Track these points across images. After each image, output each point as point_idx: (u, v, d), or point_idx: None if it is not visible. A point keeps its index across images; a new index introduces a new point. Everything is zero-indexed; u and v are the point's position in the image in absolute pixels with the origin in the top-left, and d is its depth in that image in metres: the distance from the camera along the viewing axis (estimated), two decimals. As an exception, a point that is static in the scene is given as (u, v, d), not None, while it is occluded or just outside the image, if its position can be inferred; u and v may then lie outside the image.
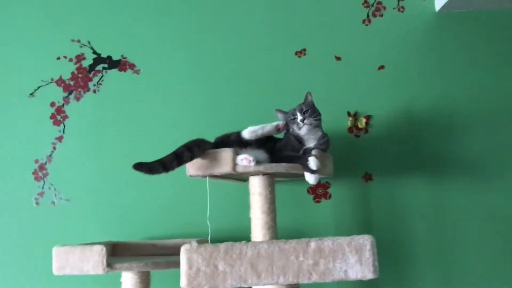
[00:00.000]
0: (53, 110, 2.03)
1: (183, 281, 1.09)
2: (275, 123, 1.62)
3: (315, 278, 1.08)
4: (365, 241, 1.07)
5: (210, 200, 1.65)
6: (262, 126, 1.61)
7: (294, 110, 1.66)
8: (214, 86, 2.04)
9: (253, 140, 1.61)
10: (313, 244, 1.06)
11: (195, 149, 1.50)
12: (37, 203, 1.97)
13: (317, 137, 1.65)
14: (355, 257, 1.06)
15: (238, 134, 1.63)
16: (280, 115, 1.73)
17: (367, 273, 1.08)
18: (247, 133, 1.59)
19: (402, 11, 2.10)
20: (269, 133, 1.62)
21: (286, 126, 1.66)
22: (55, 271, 1.52)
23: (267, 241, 1.07)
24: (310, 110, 1.65)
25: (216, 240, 1.64)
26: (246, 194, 1.66)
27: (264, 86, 2.04)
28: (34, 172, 1.99)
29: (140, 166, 1.41)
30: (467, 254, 1.95)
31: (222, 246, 1.08)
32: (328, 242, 1.07)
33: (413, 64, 2.06)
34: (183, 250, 1.09)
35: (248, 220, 1.63)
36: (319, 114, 1.67)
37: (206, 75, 2.05)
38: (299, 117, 1.63)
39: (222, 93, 2.04)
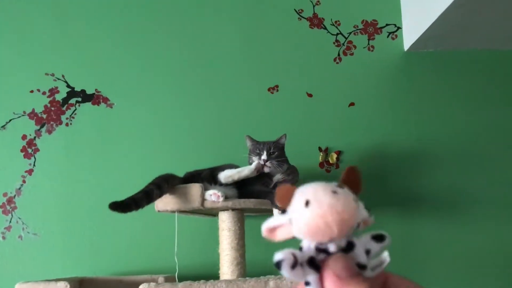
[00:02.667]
0: (24, 143, 2.01)
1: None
2: (253, 167, 1.61)
3: (275, 317, 1.08)
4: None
5: (178, 235, 1.64)
6: (239, 170, 1.61)
7: (263, 145, 1.68)
8: (188, 121, 2.06)
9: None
10: (271, 283, 1.07)
11: (164, 185, 1.50)
12: (3, 238, 1.93)
13: (283, 170, 1.67)
14: (314, 296, 1.06)
15: (209, 171, 1.65)
16: (248, 142, 1.74)
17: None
18: (223, 178, 1.59)
19: (372, 50, 2.17)
20: (246, 177, 1.61)
21: (261, 166, 1.65)
22: (17, 309, 1.48)
23: (226, 280, 1.07)
24: (277, 152, 1.66)
25: (184, 276, 1.63)
26: (215, 229, 1.66)
27: (237, 121, 2.07)
28: (2, 206, 1.96)
29: (115, 207, 1.38)
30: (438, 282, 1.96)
31: (181, 285, 1.08)
32: (287, 281, 1.07)
33: (383, 101, 2.11)
34: (142, 289, 1.08)
35: (217, 256, 1.62)
36: (284, 158, 1.69)
37: (179, 110, 2.07)
38: (263, 156, 1.64)
39: (195, 128, 2.05)
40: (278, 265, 0.39)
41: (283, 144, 1.73)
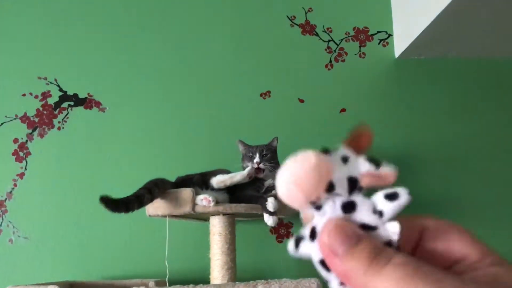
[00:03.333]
0: (15, 146, 2.01)
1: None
2: (245, 173, 1.61)
3: (264, 321, 1.08)
4: (312, 284, 1.08)
5: (169, 239, 1.64)
6: (231, 175, 1.61)
7: (255, 148, 1.69)
8: (180, 126, 2.07)
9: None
10: (260, 287, 1.07)
11: (154, 190, 1.50)
12: (-6, 241, 1.93)
13: (274, 175, 1.68)
14: (302, 301, 1.07)
15: (200, 175, 1.65)
16: (241, 147, 1.76)
17: (316, 316, 1.08)
18: (215, 183, 1.60)
19: (363, 57, 2.19)
20: (238, 183, 1.61)
21: (254, 172, 1.65)
22: (6, 313, 1.48)
23: (215, 285, 1.07)
24: (270, 155, 1.68)
25: (175, 280, 1.64)
26: (206, 234, 1.66)
27: (229, 125, 2.08)
28: (-7, 209, 1.96)
29: (106, 202, 1.35)
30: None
31: (170, 289, 1.08)
32: (275, 285, 1.08)
33: (373, 108, 2.13)
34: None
35: (207, 260, 1.63)
36: (277, 161, 1.70)
37: (172, 115, 2.08)
38: (256, 159, 1.65)
39: (187, 133, 2.06)
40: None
41: (275, 147, 1.74)
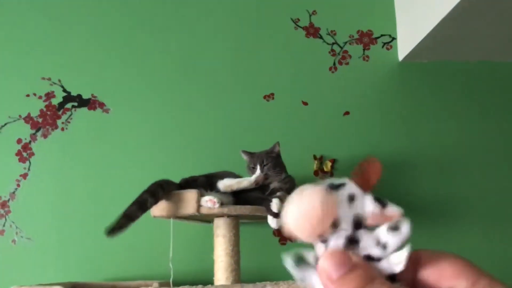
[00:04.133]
0: (19, 147, 2.01)
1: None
2: (252, 179, 1.62)
3: (271, 323, 1.08)
4: (320, 286, 1.08)
5: (173, 241, 1.64)
6: (239, 181, 1.62)
7: (256, 158, 1.70)
8: (183, 127, 2.07)
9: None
10: (268, 288, 1.07)
11: (159, 193, 1.50)
12: (-4, 242, 1.93)
13: (280, 178, 1.68)
14: (310, 302, 1.07)
15: (205, 177, 1.65)
16: (244, 157, 1.76)
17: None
18: (222, 187, 1.60)
19: (367, 60, 2.19)
20: (245, 188, 1.62)
21: (262, 178, 1.66)
22: (10, 313, 1.48)
23: (223, 285, 1.07)
24: (270, 164, 1.68)
25: (179, 282, 1.63)
26: (210, 236, 1.66)
27: (233, 127, 2.08)
28: (-4, 210, 1.95)
29: (113, 231, 1.36)
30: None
31: (177, 290, 1.08)
32: (283, 287, 1.08)
33: (377, 111, 2.13)
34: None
35: (211, 262, 1.63)
36: (281, 167, 1.71)
37: (175, 116, 2.08)
38: (258, 171, 1.66)
39: (191, 134, 2.06)
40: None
41: (277, 152, 1.74)
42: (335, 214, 0.37)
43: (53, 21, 2.13)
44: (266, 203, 1.55)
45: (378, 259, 0.36)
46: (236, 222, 1.64)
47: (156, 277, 1.85)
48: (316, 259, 0.37)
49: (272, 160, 1.69)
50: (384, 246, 0.37)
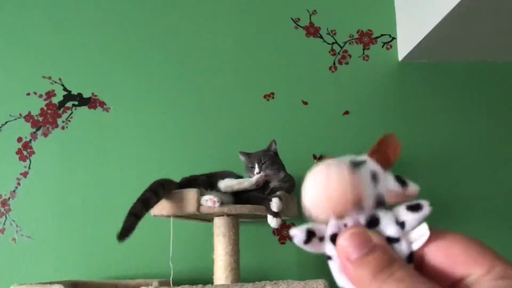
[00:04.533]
0: (19, 145, 2.01)
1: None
2: (253, 180, 1.62)
3: (271, 322, 1.09)
4: (319, 285, 1.09)
5: (173, 240, 1.65)
6: (240, 181, 1.62)
7: (254, 158, 1.70)
8: (184, 126, 2.07)
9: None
10: (268, 287, 1.08)
11: (160, 191, 1.51)
12: (-3, 240, 1.93)
13: (279, 178, 1.69)
14: (309, 302, 1.08)
15: (206, 177, 1.66)
16: (242, 158, 1.76)
17: (322, 317, 1.09)
18: (223, 187, 1.61)
19: (367, 60, 2.19)
20: (245, 189, 1.62)
21: (263, 178, 1.66)
22: (10, 311, 1.48)
23: (222, 285, 1.08)
24: (268, 162, 1.68)
25: (179, 281, 1.64)
26: (210, 235, 1.67)
27: (233, 126, 2.08)
28: (-4, 208, 1.96)
29: (123, 235, 1.39)
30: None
31: (176, 289, 1.09)
32: (283, 286, 1.08)
33: (377, 110, 2.13)
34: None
35: (211, 261, 1.63)
36: (279, 164, 1.71)
37: (176, 115, 2.08)
38: (256, 170, 1.67)
39: (191, 133, 2.06)
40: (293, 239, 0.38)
41: (274, 150, 1.75)
42: (360, 193, 0.36)
43: (54, 20, 2.13)
44: (266, 202, 1.56)
45: (397, 240, 0.36)
46: (236, 221, 1.64)
47: (156, 276, 1.85)
48: (331, 235, 0.37)
49: (269, 158, 1.70)
50: (402, 225, 0.36)
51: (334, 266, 0.37)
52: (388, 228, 0.36)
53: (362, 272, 0.34)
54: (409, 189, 0.38)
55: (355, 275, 0.34)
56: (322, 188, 0.36)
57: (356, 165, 0.37)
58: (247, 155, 1.75)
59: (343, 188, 0.36)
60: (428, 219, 0.37)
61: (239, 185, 1.61)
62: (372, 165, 0.37)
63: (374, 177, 0.37)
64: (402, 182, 0.38)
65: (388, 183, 0.37)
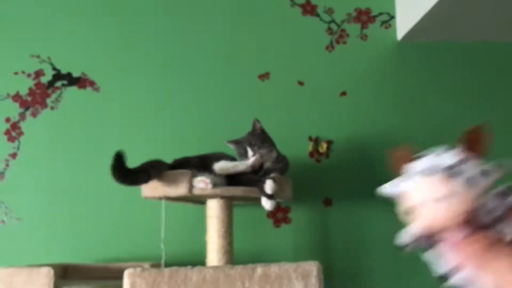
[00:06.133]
0: (8, 126, 1.97)
1: (127, 305, 1.05)
2: (249, 163, 1.59)
3: (262, 304, 1.06)
4: (312, 267, 1.06)
5: (165, 222, 1.62)
6: (235, 164, 1.59)
7: (243, 143, 1.65)
8: (175, 106, 2.03)
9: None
10: (259, 270, 1.05)
11: (151, 171, 1.48)
12: (-15, 222, 1.90)
13: (273, 158, 1.64)
14: (301, 284, 1.06)
15: (199, 158, 1.62)
16: (232, 146, 1.70)
17: (314, 299, 1.07)
18: (217, 169, 1.57)
19: (365, 40, 2.14)
20: (240, 172, 1.58)
21: (259, 161, 1.62)
22: (-2, 295, 1.45)
23: (213, 267, 1.05)
24: (259, 142, 1.63)
25: (171, 264, 1.60)
26: (203, 217, 1.64)
27: (226, 107, 2.04)
28: (-16, 190, 1.92)
29: (120, 172, 1.44)
30: (427, 279, 1.95)
31: (167, 270, 1.06)
32: (274, 268, 1.05)
33: (374, 91, 2.09)
34: (126, 274, 1.06)
35: (204, 244, 1.60)
36: (270, 142, 1.66)
37: (167, 94, 2.04)
38: (250, 153, 1.62)
39: (183, 114, 2.02)
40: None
41: (260, 128, 1.68)
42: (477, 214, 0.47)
43: (42, -4, 2.07)
44: (259, 184, 1.52)
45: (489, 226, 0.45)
46: (229, 203, 1.61)
47: (148, 258, 1.82)
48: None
49: (258, 137, 1.65)
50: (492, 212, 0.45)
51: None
52: (484, 217, 0.47)
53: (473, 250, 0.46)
54: (503, 169, 0.47)
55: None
56: (456, 204, 0.44)
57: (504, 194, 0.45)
58: (236, 142, 1.69)
59: (464, 205, 0.48)
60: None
61: (235, 168, 1.58)
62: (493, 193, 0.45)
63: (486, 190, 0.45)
64: (498, 165, 0.47)
65: (495, 173, 0.45)
